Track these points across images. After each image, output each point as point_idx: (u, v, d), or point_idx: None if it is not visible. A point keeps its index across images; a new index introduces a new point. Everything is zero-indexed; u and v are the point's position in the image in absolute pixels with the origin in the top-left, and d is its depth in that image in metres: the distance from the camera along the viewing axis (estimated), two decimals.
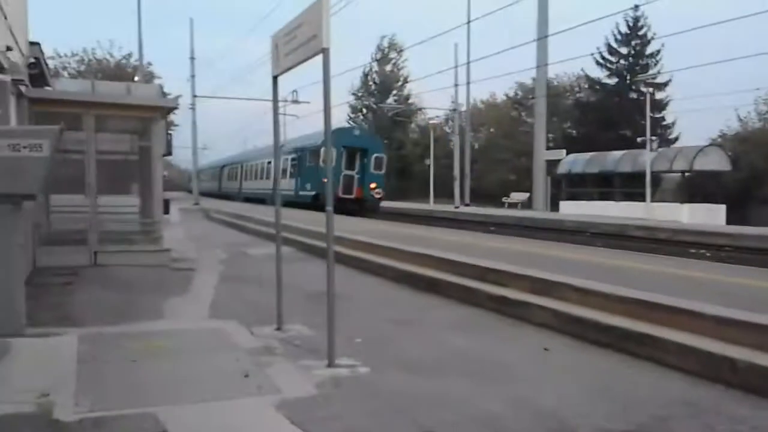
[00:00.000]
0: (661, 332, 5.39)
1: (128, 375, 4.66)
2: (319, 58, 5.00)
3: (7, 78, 7.26)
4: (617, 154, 32.51)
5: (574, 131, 56.13)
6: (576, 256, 10.36)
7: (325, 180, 5.54)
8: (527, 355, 5.46)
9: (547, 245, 12.61)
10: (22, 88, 8.95)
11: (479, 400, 4.25)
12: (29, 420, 3.70)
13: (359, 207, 26.38)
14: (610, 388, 4.59)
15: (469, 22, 37.48)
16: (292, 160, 29.34)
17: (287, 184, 28.65)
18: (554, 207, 35.99)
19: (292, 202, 25.60)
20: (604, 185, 32.56)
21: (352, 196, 27.29)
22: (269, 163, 33.27)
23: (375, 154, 28.64)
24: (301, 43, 5.33)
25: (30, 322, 6.08)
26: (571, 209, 31.64)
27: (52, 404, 3.93)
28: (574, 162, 34.57)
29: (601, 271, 8.23)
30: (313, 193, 26.40)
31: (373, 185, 28.03)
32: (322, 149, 23.70)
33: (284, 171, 29.05)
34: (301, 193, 28.08)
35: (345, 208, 22.94)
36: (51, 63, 39.48)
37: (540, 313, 6.66)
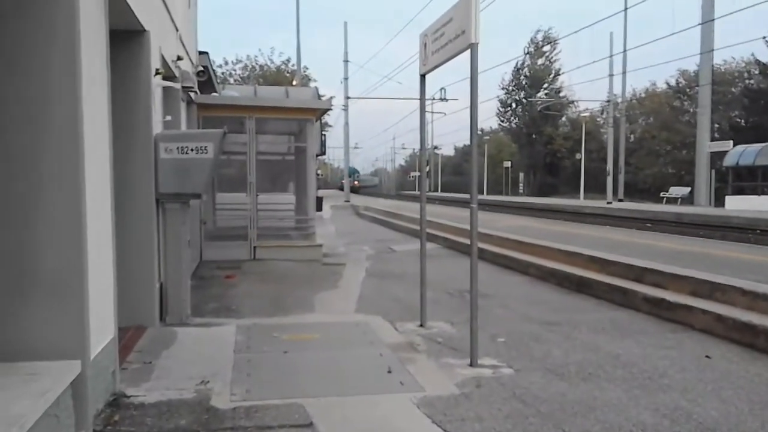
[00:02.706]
0: None
1: (280, 365, 4.90)
2: (467, 54, 4.96)
3: (177, 85, 7.86)
4: None
5: (742, 121, 51.54)
6: (744, 256, 9.51)
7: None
8: (686, 363, 5.08)
9: (711, 244, 11.69)
10: (192, 95, 9.69)
11: (631, 409, 4.01)
12: (189, 406, 3.98)
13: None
14: None
15: (626, 9, 35.70)
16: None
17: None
18: (719, 202, 33.28)
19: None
20: None
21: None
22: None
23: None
24: (449, 39, 5.30)
25: (195, 312, 6.61)
26: (739, 204, 29.06)
27: (210, 392, 4.22)
28: (742, 153, 31.71)
29: None
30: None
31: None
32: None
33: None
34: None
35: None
36: (219, 71, 42.64)
37: (702, 317, 6.20)
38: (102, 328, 3.92)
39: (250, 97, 12.36)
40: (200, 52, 11.19)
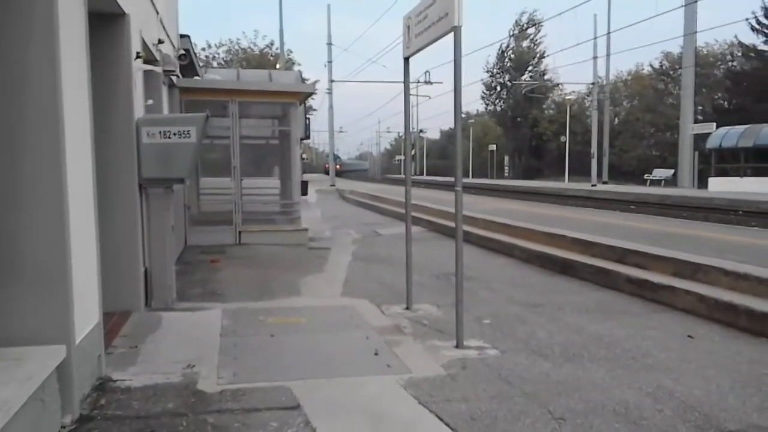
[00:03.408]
0: None
1: (266, 349, 4.91)
2: (451, 37, 4.94)
3: (159, 69, 7.77)
4: None
5: (725, 103, 51.92)
6: (726, 236, 9.63)
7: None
8: (669, 343, 5.15)
9: (694, 225, 11.82)
10: (174, 79, 9.58)
11: (614, 389, 4.07)
12: (176, 390, 3.98)
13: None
14: (764, 381, 4.23)
15: None
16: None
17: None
18: (702, 184, 33.61)
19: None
20: (760, 160, 29.87)
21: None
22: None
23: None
24: (432, 22, 5.27)
25: (180, 296, 6.59)
26: (722, 186, 29.38)
27: (196, 375, 4.23)
28: (725, 135, 31.94)
29: (755, 253, 7.59)
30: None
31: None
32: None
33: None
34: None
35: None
36: (202, 54, 42.15)
37: (685, 297, 6.28)
38: (87, 313, 3.90)
39: (233, 81, 12.27)
40: (182, 36, 11.05)
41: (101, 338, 4.25)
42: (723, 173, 31.80)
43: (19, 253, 3.40)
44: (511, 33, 70.96)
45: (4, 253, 3.38)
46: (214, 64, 44.56)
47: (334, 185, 37.07)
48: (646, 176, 40.35)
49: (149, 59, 7.16)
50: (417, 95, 54.73)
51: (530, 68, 70.32)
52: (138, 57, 6.23)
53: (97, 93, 4.52)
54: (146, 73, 7.06)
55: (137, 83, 6.29)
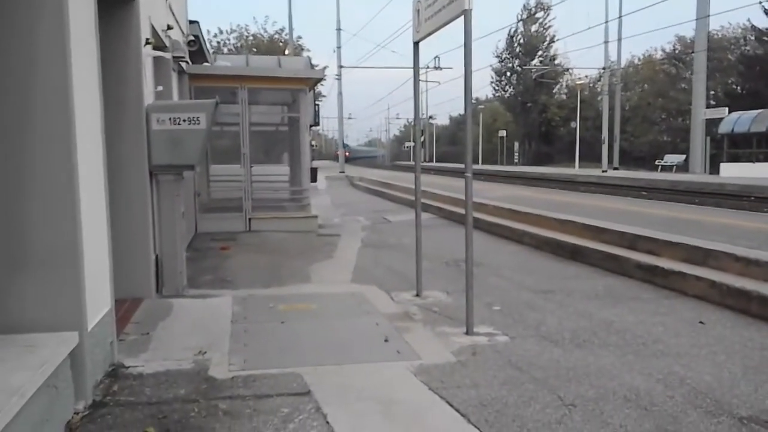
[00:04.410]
0: None
1: (277, 336, 4.93)
2: (461, 21, 4.90)
3: (168, 55, 7.76)
4: None
5: (738, 87, 51.37)
6: (738, 222, 9.55)
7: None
8: (679, 329, 5.13)
9: (705, 211, 11.75)
10: (183, 65, 9.58)
11: (624, 375, 4.06)
12: (188, 376, 4.01)
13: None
14: None
15: None
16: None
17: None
18: (714, 170, 33.35)
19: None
20: None
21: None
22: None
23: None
24: (442, 5, 5.23)
25: (191, 283, 6.62)
26: (733, 171, 29.16)
27: (208, 362, 4.25)
28: (737, 120, 31.67)
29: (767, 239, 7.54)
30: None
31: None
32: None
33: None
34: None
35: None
36: (214, 40, 42.10)
37: (696, 283, 6.25)
38: (98, 300, 3.93)
39: (242, 67, 12.22)
40: (191, 22, 11.03)
41: (113, 325, 4.27)
42: (735, 158, 31.56)
43: (31, 241, 3.41)
44: (520, 17, 70.34)
45: (16, 240, 3.40)
46: (225, 50, 44.51)
47: (343, 172, 37.06)
48: (657, 162, 40.08)
49: (159, 45, 7.15)
50: (426, 81, 54.74)
51: (540, 53, 69.70)
52: (147, 43, 6.23)
53: (107, 80, 4.52)
54: (156, 59, 7.06)
55: (147, 70, 6.29)
